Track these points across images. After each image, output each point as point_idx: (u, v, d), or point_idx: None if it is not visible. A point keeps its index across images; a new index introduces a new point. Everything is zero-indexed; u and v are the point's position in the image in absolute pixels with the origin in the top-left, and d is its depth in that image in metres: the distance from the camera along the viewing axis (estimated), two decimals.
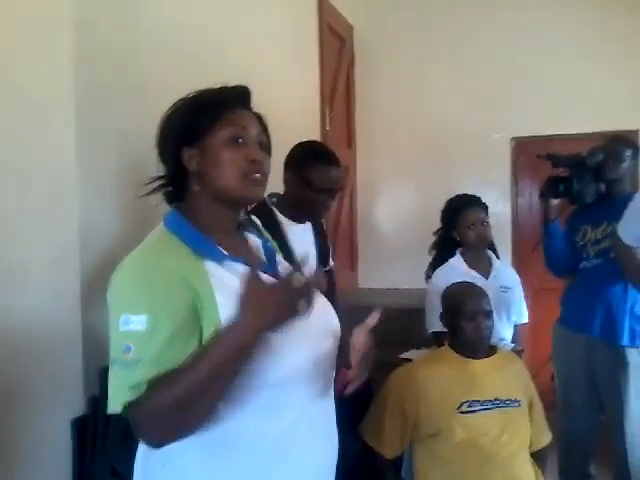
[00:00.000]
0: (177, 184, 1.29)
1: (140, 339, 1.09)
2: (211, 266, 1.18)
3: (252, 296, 1.08)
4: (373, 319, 1.27)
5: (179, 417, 1.08)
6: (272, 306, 1.08)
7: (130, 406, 1.08)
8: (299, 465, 1.22)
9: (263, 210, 2.11)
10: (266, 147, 1.30)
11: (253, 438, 1.17)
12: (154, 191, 1.30)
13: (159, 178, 1.29)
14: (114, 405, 1.10)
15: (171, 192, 1.30)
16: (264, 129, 1.32)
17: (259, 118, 1.32)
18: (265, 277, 1.16)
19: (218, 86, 1.28)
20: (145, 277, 1.14)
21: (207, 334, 1.14)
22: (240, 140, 1.24)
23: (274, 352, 1.14)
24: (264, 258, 1.35)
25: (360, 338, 1.28)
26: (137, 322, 1.09)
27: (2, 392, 1.74)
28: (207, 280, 1.16)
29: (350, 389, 1.28)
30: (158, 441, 1.11)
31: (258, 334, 1.08)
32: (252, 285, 1.09)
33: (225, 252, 1.22)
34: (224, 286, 1.16)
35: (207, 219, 1.25)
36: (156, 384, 1.07)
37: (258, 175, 1.24)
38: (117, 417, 1.60)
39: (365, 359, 1.29)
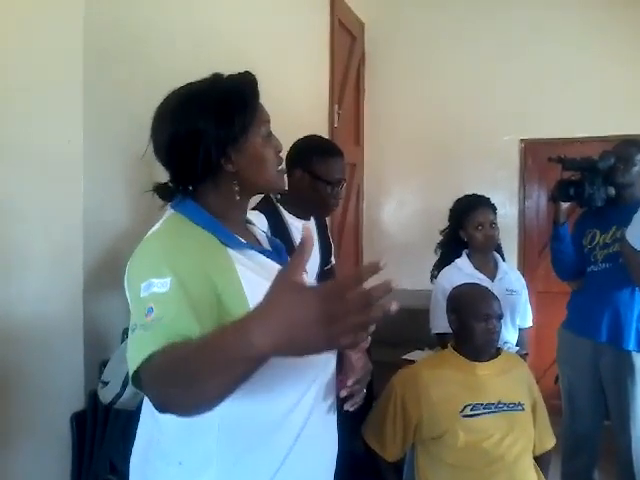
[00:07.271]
0: (187, 181, 1.24)
1: (162, 298, 1.01)
2: (235, 254, 1.17)
3: (282, 299, 0.78)
4: (366, 342, 1.27)
5: (186, 390, 0.90)
6: (313, 322, 0.76)
7: (143, 364, 0.95)
8: (303, 464, 1.19)
9: (268, 206, 2.09)
10: None
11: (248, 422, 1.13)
12: (158, 189, 1.27)
13: (173, 179, 1.24)
14: (132, 366, 0.98)
15: (173, 189, 1.25)
16: None
17: None
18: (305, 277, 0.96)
19: (228, 76, 1.24)
20: (168, 248, 1.10)
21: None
22: (270, 134, 1.26)
23: None
24: (270, 249, 1.34)
25: (359, 360, 1.30)
26: (160, 284, 1.02)
27: (2, 385, 1.72)
28: (234, 268, 1.13)
29: (349, 407, 1.29)
30: (162, 404, 0.96)
31: (272, 353, 0.79)
32: (287, 283, 0.80)
33: (244, 241, 1.21)
34: (251, 273, 1.15)
35: (224, 210, 1.23)
36: (172, 349, 0.93)
37: (283, 166, 1.29)
38: (116, 412, 1.60)
39: (363, 379, 1.31)
